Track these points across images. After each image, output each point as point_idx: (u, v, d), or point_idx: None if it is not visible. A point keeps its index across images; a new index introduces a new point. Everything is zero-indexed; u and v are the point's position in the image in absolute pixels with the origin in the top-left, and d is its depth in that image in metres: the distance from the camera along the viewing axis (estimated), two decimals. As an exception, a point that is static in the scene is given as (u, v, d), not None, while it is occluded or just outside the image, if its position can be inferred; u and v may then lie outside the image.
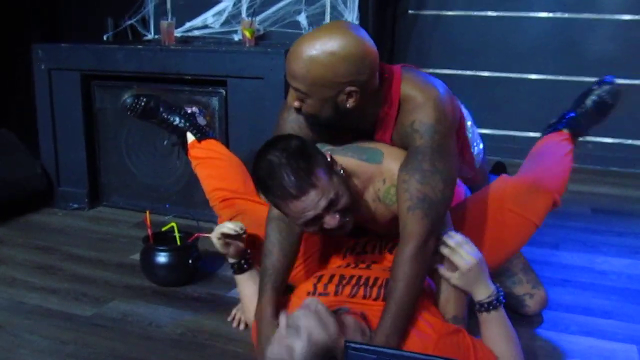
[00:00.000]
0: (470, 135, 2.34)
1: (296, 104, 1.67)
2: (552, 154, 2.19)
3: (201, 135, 2.34)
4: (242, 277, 1.96)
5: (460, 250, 1.65)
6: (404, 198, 1.64)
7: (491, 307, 1.66)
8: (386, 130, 1.75)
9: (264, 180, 1.61)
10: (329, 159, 1.66)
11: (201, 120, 2.36)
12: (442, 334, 1.59)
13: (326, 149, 1.79)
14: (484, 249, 1.87)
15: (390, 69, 1.73)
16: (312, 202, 1.58)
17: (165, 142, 3.00)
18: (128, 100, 2.31)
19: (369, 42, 1.62)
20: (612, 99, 2.30)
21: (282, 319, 1.49)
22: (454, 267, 1.67)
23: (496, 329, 1.66)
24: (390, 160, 1.73)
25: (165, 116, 2.34)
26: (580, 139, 2.33)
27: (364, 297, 1.71)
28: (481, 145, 2.41)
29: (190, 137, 2.35)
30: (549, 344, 1.97)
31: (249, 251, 1.98)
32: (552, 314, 2.14)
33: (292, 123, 1.80)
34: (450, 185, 1.67)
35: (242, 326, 2.06)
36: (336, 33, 1.58)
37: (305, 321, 1.44)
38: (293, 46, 1.61)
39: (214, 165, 2.29)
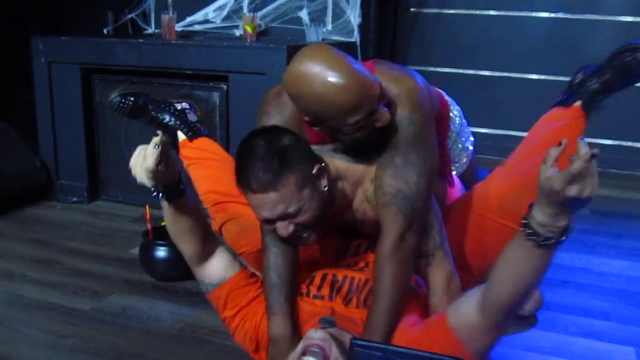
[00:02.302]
0: (458, 128, 2.32)
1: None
2: (549, 142, 2.07)
3: (192, 133, 2.24)
4: (176, 203, 1.62)
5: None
6: (378, 195, 1.61)
7: (545, 242, 1.25)
8: None
9: (238, 160, 1.57)
10: (315, 171, 1.57)
11: (192, 117, 2.28)
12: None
13: (314, 148, 1.71)
14: (467, 255, 1.85)
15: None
16: (268, 204, 1.53)
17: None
18: (115, 100, 2.24)
19: None
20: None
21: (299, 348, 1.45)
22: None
23: (529, 263, 1.31)
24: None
25: (155, 114, 2.26)
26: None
27: (357, 305, 1.68)
28: (471, 138, 2.41)
29: (181, 136, 2.26)
30: (548, 345, 1.97)
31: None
32: (550, 315, 2.14)
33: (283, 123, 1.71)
34: (426, 177, 1.61)
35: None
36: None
37: None
38: (335, 80, 1.46)
39: (207, 165, 2.19)
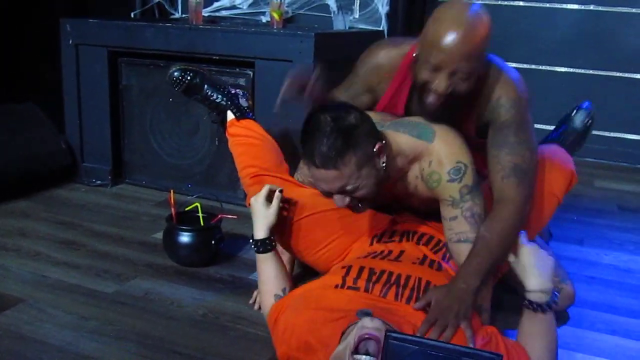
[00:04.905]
0: None
1: (449, 89, 1.69)
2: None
3: (240, 114, 2.35)
4: (266, 256, 1.88)
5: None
6: (496, 169, 1.76)
7: (539, 309, 1.65)
8: (475, 101, 1.83)
9: (304, 132, 1.67)
10: (376, 148, 1.66)
11: (243, 102, 2.37)
12: (478, 343, 1.57)
13: (377, 121, 1.79)
14: None
15: None
16: (328, 179, 1.65)
17: (204, 118, 2.97)
18: (175, 74, 2.33)
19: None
20: (584, 130, 2.33)
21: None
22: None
23: (537, 329, 1.65)
24: (441, 143, 1.76)
25: (209, 93, 2.35)
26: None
27: (396, 298, 1.67)
28: None
29: (230, 116, 2.36)
30: (574, 341, 1.95)
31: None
32: (577, 311, 2.11)
33: (372, 67, 1.94)
34: (535, 153, 1.80)
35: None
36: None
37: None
38: (445, 30, 1.64)
39: (248, 143, 2.28)
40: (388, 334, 1.25)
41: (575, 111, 2.34)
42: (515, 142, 1.75)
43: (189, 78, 2.33)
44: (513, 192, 1.73)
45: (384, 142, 1.69)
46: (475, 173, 1.78)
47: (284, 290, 1.84)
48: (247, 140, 2.29)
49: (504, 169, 1.74)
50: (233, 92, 2.38)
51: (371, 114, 1.81)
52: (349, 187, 1.66)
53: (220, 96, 2.35)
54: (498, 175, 1.75)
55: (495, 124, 1.78)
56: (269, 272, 1.87)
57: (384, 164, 1.70)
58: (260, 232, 1.88)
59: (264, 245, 1.87)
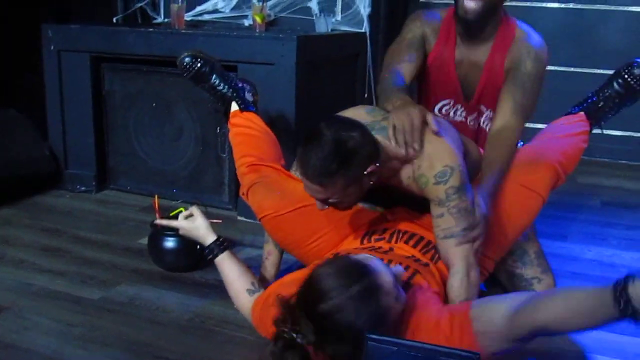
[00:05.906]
0: None
1: None
2: (562, 131, 2.18)
3: (244, 106, 2.36)
4: (224, 257, 1.94)
5: None
6: (506, 98, 2.07)
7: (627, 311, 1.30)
8: (504, 45, 2.16)
9: (305, 140, 1.72)
10: (367, 171, 1.70)
11: (249, 97, 2.39)
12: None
13: (370, 122, 1.84)
14: (495, 227, 1.90)
15: None
16: (313, 189, 1.72)
17: (209, 105, 2.93)
18: (186, 59, 2.32)
19: None
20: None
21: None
22: None
23: (591, 313, 1.42)
24: (430, 147, 1.80)
25: (216, 83, 2.35)
26: (598, 127, 2.30)
27: None
28: None
29: (234, 107, 2.37)
30: (557, 336, 1.96)
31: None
32: (561, 307, 2.13)
33: (423, 22, 2.22)
34: (535, 103, 2.12)
35: (249, 313, 2.05)
36: None
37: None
38: None
39: (248, 134, 2.30)
40: (367, 335, 1.26)
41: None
42: (528, 88, 2.08)
43: (198, 65, 2.32)
44: (511, 119, 2.04)
45: (377, 164, 1.73)
46: (464, 174, 1.80)
47: (253, 284, 1.88)
48: (247, 130, 2.30)
49: (515, 104, 2.05)
50: (240, 85, 2.40)
51: (367, 113, 1.92)
52: (330, 200, 1.74)
53: (226, 87, 2.35)
54: (505, 103, 2.06)
55: (519, 70, 2.09)
56: (233, 272, 1.92)
57: (372, 182, 1.75)
58: (206, 238, 1.97)
59: (218, 246, 1.95)
